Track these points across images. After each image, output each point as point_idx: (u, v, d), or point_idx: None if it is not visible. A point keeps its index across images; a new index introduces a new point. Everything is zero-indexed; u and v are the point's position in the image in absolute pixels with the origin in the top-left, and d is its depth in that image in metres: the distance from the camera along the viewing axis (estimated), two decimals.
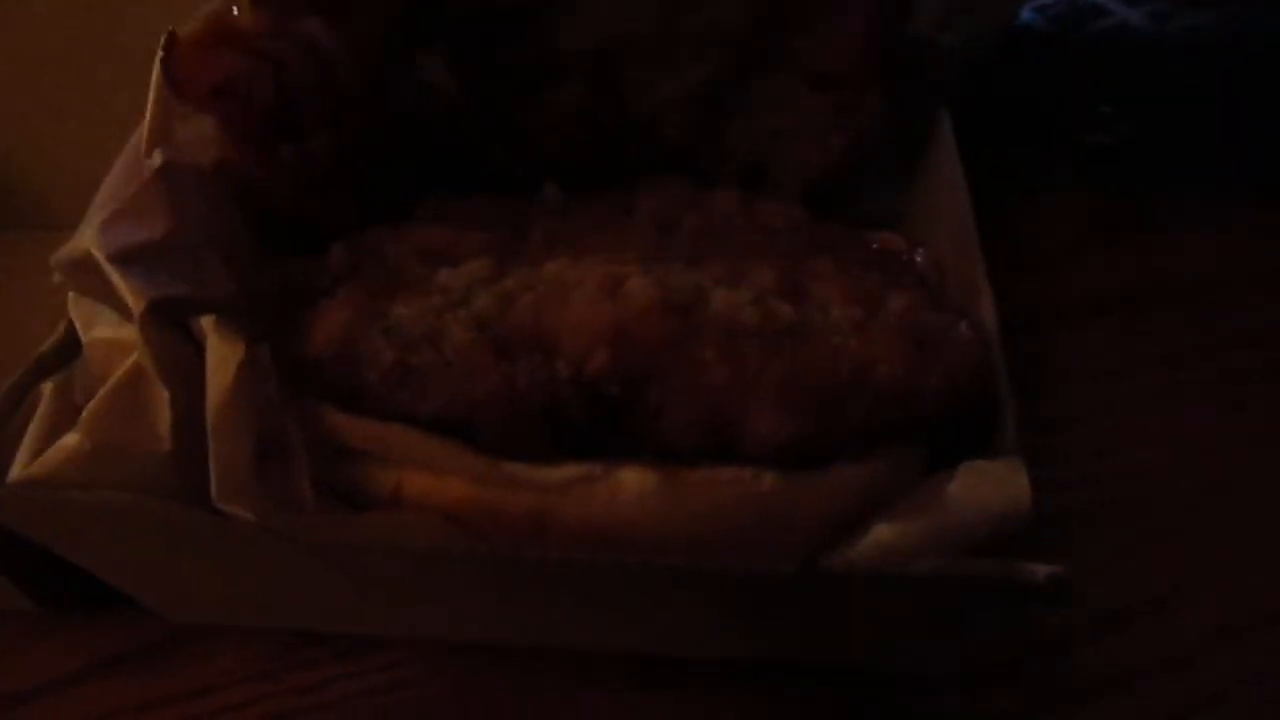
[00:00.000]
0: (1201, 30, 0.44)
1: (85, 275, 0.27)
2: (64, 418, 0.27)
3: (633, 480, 0.23)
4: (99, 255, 0.25)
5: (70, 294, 0.28)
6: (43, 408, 0.28)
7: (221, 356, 0.24)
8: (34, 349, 0.41)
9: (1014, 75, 0.46)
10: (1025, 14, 0.47)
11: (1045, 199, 0.47)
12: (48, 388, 0.28)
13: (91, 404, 0.25)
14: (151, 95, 0.30)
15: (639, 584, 0.24)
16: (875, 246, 0.32)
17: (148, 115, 0.30)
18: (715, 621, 0.27)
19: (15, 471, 0.26)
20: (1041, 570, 0.22)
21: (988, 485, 0.23)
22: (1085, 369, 0.40)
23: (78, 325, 0.28)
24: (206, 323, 0.25)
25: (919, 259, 0.31)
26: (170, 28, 0.31)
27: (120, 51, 0.43)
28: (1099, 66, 0.45)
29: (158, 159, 0.27)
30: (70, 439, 0.25)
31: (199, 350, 0.25)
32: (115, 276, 0.25)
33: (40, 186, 0.48)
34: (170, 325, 0.25)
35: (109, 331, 0.27)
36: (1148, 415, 0.38)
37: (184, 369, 0.25)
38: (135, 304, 0.25)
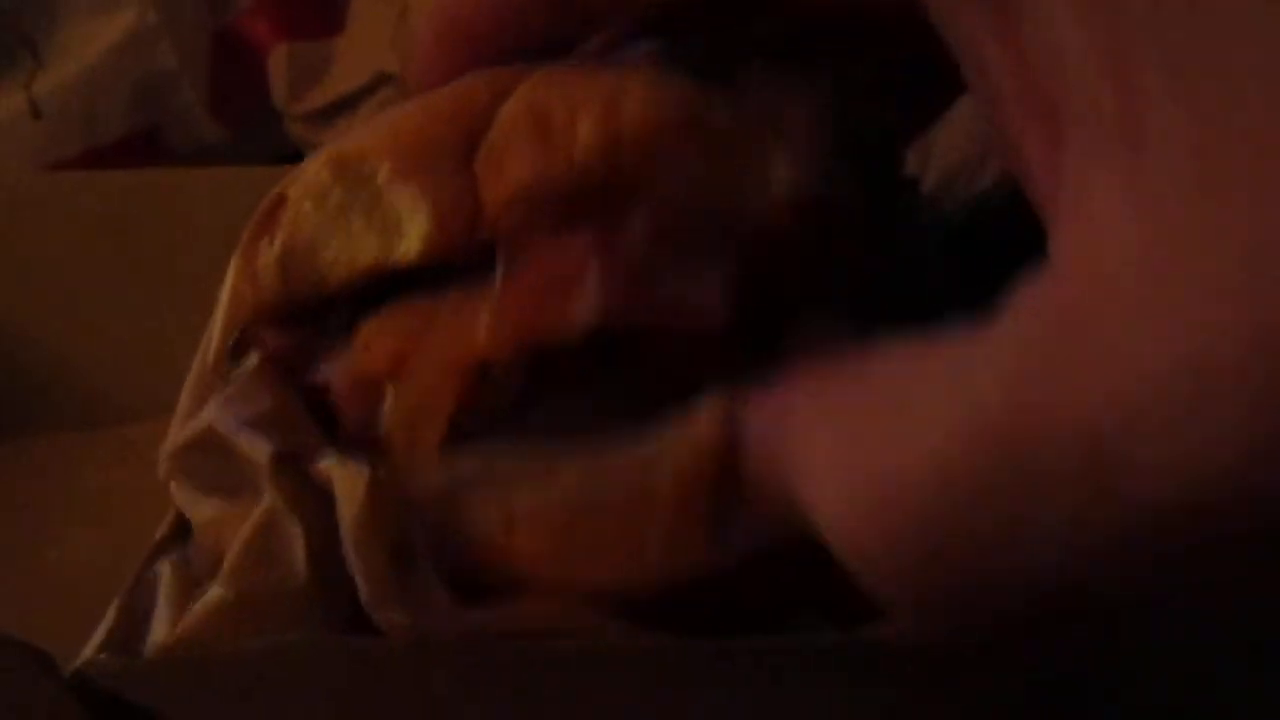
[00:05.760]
0: None
1: (196, 457, 0.30)
2: (189, 593, 0.29)
3: None
4: (220, 428, 0.28)
5: (172, 483, 0.31)
6: (165, 587, 0.30)
7: (350, 483, 0.27)
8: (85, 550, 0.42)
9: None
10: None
11: None
12: (166, 567, 0.30)
13: (229, 558, 0.27)
14: (219, 315, 0.34)
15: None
16: None
17: (218, 330, 0.33)
18: None
19: (156, 643, 0.28)
20: None
21: None
22: None
23: (185, 511, 0.31)
24: (326, 463, 0.28)
25: None
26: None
27: (172, 265, 0.47)
28: None
29: (254, 359, 0.30)
30: (213, 593, 0.27)
31: (323, 495, 0.28)
32: (240, 439, 0.28)
33: (84, 389, 0.50)
34: (296, 473, 0.28)
35: (215, 512, 0.30)
36: None
37: (313, 508, 0.27)
38: (261, 455, 0.28)
